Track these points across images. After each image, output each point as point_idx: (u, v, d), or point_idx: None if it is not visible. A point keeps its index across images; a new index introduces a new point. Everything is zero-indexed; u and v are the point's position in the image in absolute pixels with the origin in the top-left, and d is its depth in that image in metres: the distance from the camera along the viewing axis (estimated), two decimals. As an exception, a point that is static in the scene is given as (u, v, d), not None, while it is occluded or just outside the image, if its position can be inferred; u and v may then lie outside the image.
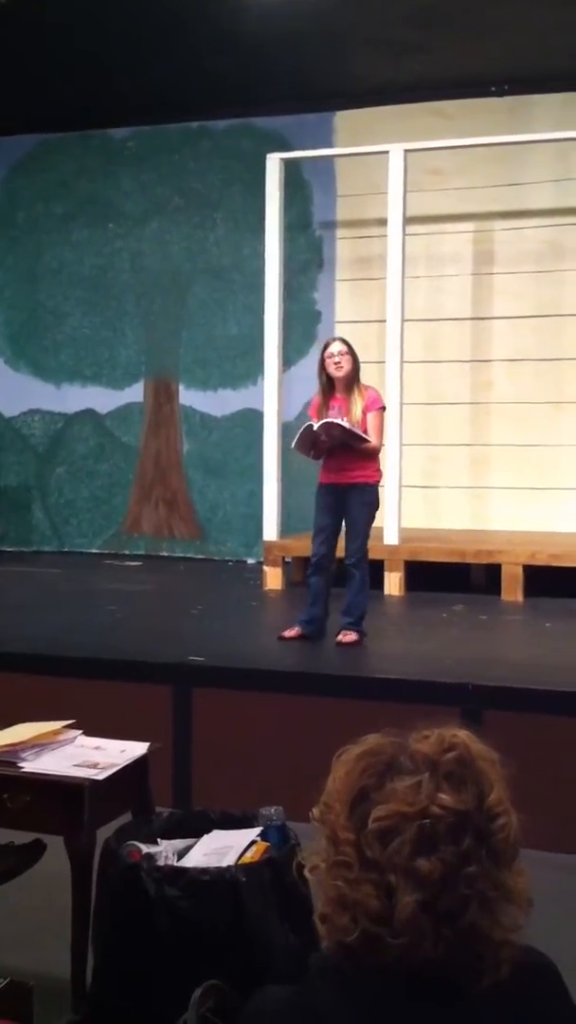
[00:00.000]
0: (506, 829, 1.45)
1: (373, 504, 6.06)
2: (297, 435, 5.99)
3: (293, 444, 6.07)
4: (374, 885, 1.42)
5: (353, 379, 6.01)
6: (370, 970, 1.44)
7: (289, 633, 6.09)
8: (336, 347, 6.04)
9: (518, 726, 4.76)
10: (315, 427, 5.85)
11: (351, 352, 6.01)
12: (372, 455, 5.98)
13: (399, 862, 1.41)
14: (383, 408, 6.09)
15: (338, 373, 5.98)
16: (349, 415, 5.91)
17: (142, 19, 7.82)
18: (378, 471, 6.08)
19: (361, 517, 6.02)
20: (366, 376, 6.22)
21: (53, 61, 8.49)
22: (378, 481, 6.09)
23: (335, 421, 5.82)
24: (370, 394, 6.03)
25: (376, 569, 7.71)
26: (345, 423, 5.83)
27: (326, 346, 6.13)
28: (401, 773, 1.46)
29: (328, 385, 6.04)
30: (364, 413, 5.94)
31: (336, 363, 5.97)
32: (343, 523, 6.11)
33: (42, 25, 7.82)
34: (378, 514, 7.15)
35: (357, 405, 5.94)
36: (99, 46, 8.25)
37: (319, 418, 5.94)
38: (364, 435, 5.87)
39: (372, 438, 5.92)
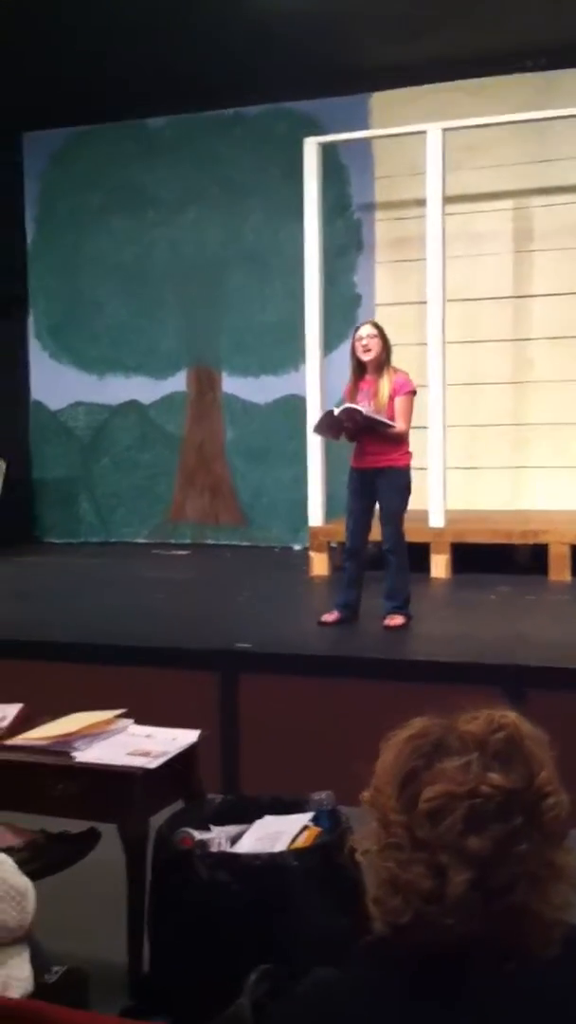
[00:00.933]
0: (556, 808, 1.46)
1: (404, 488, 6.07)
2: (318, 419, 6.03)
3: (313, 427, 6.11)
4: (425, 865, 1.43)
5: (383, 362, 6.02)
6: (420, 951, 1.45)
7: (329, 617, 6.13)
8: (365, 330, 6.06)
9: (564, 706, 4.73)
10: (336, 412, 5.90)
11: (381, 335, 6.02)
12: (399, 440, 5.98)
13: (449, 841, 1.42)
14: (412, 392, 6.07)
15: (366, 356, 5.99)
16: (376, 398, 5.92)
17: (174, 6, 7.81)
18: (407, 454, 6.06)
19: (393, 501, 6.03)
20: (407, 358, 6.21)
21: (86, 53, 8.51)
22: (407, 464, 6.07)
23: (356, 407, 5.85)
24: (399, 378, 6.03)
25: (422, 552, 7.71)
26: (366, 409, 5.84)
27: (356, 329, 6.17)
28: (450, 753, 1.47)
29: (359, 368, 6.07)
30: (392, 397, 5.95)
31: (364, 346, 6.00)
32: (376, 507, 6.11)
33: (74, 18, 7.84)
34: (421, 497, 7.14)
35: (384, 389, 5.96)
36: (131, 36, 8.25)
37: (351, 400, 5.96)
38: (388, 421, 5.88)
39: (399, 423, 5.93)
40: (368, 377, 6.02)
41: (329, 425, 5.99)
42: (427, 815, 1.44)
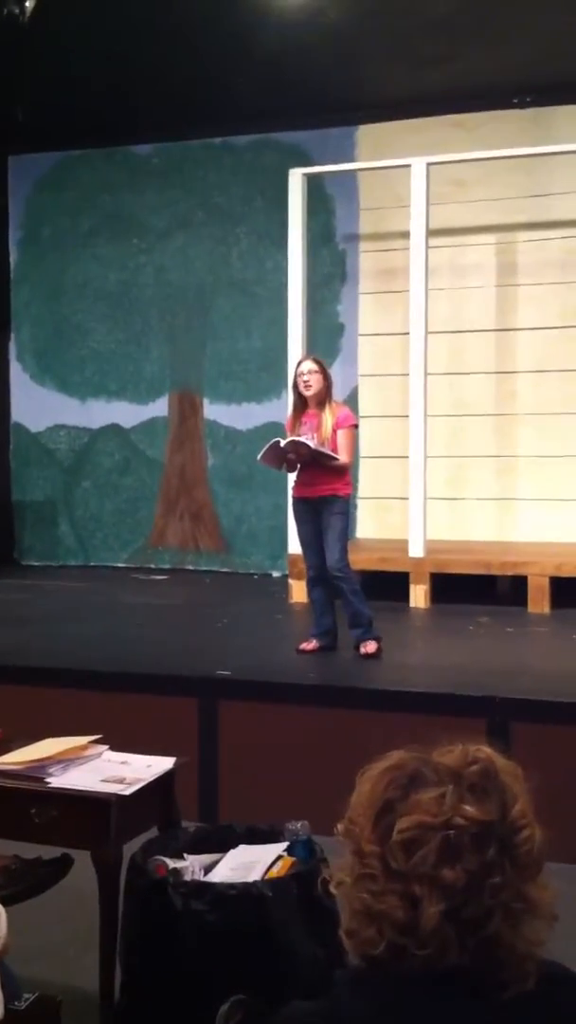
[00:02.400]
0: (530, 842, 1.46)
1: (344, 513, 6.20)
2: (263, 449, 6.08)
3: (259, 457, 6.17)
4: (399, 896, 1.42)
5: (324, 397, 6.11)
6: (396, 982, 1.44)
7: (307, 646, 6.17)
8: (307, 366, 6.17)
9: (545, 738, 4.74)
10: (282, 444, 5.98)
11: (322, 371, 6.15)
12: (342, 472, 6.09)
13: (423, 872, 1.42)
14: (354, 426, 6.19)
15: (307, 392, 6.10)
16: (320, 431, 6.01)
17: (163, 36, 7.87)
18: (348, 484, 6.23)
19: (335, 527, 6.10)
20: (389, 388, 6.26)
21: (74, 78, 8.55)
22: (348, 495, 6.23)
23: (302, 440, 5.92)
24: (342, 412, 6.16)
25: (401, 581, 7.72)
26: (312, 442, 5.91)
27: (298, 364, 6.30)
28: (425, 785, 1.47)
29: (300, 402, 6.15)
30: (334, 430, 6.04)
31: (305, 382, 6.09)
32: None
33: (63, 42, 7.88)
34: (403, 526, 7.18)
35: (328, 422, 6.05)
36: (120, 63, 8.30)
37: (293, 434, 6.05)
38: (332, 454, 5.98)
39: (341, 456, 6.03)
40: (310, 411, 6.12)
41: (275, 456, 6.07)
42: (401, 846, 1.43)
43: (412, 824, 1.43)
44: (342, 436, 6.05)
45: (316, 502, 6.10)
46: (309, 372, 6.09)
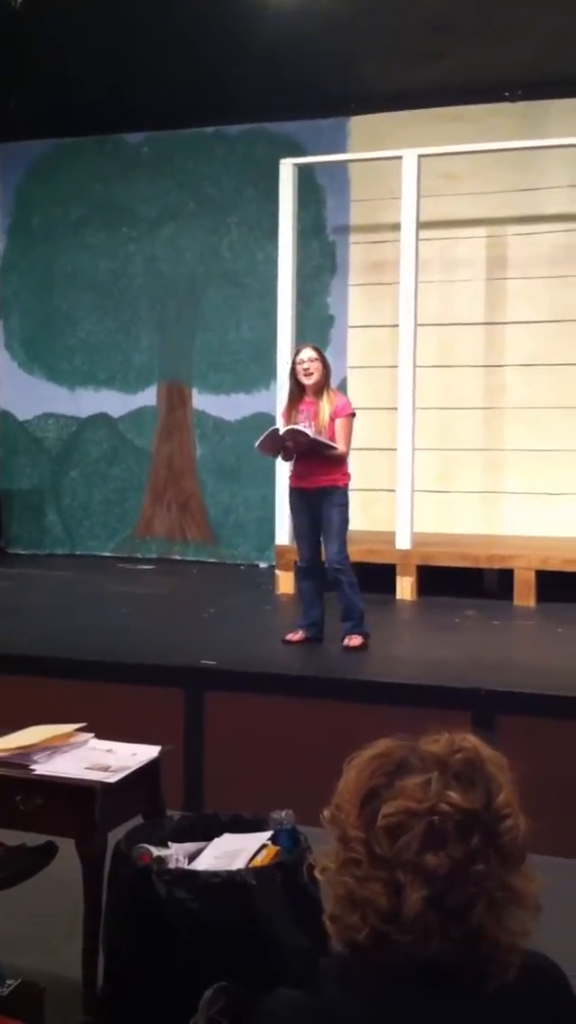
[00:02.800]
0: (514, 831, 1.46)
1: (343, 505, 6.14)
2: (262, 436, 6.06)
3: (256, 444, 6.14)
4: (383, 883, 1.43)
5: (323, 385, 6.08)
6: (379, 970, 1.44)
7: (293, 636, 6.16)
8: (307, 354, 6.11)
9: (530, 731, 4.75)
10: (281, 432, 5.95)
11: (321, 359, 6.10)
12: (339, 461, 6.05)
13: (407, 858, 1.42)
14: (352, 415, 6.13)
15: (307, 380, 6.05)
16: (317, 420, 5.98)
17: (157, 25, 7.85)
18: (346, 475, 6.15)
19: (334, 519, 6.08)
20: (378, 380, 6.26)
21: (67, 66, 8.53)
22: (346, 484, 6.16)
23: (301, 428, 5.89)
24: (339, 400, 6.12)
25: (388, 573, 7.72)
26: (311, 431, 5.89)
27: (296, 352, 6.24)
28: (411, 772, 1.48)
29: (297, 390, 6.11)
30: (332, 419, 6.01)
31: (306, 370, 6.05)
32: (319, 524, 6.16)
33: (56, 30, 7.85)
34: (390, 519, 7.17)
35: (325, 411, 6.01)
36: (114, 51, 8.28)
37: (288, 422, 6.01)
38: (330, 442, 5.94)
39: (339, 445, 5.99)
40: (308, 399, 6.08)
41: (272, 444, 6.04)
42: (386, 831, 1.44)
43: (397, 810, 1.44)
44: (340, 425, 6.01)
45: (314, 493, 6.07)
46: (310, 360, 6.05)
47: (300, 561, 6.28)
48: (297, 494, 6.18)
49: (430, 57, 8.19)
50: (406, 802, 1.44)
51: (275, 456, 6.24)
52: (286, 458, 6.18)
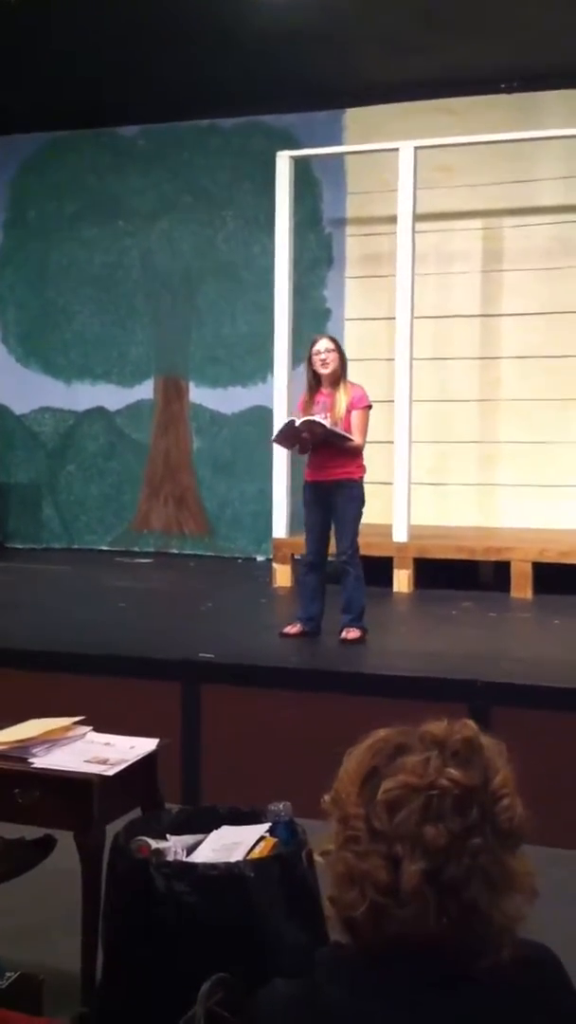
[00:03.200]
0: (511, 810, 1.49)
1: (359, 499, 6.10)
2: (278, 429, 6.03)
3: (273, 437, 6.11)
4: (381, 856, 1.45)
5: (340, 376, 6.06)
6: (376, 959, 1.46)
7: (291, 630, 6.15)
8: (323, 344, 6.09)
9: (526, 723, 4.77)
10: (297, 423, 5.91)
11: (338, 349, 6.08)
12: (355, 453, 6.02)
13: (406, 831, 1.45)
14: (369, 406, 6.10)
15: (324, 370, 6.03)
16: (333, 411, 5.95)
17: (151, 17, 7.82)
18: (361, 467, 6.10)
19: (348, 513, 6.06)
20: (375, 373, 6.25)
21: (62, 60, 8.50)
22: (362, 477, 6.11)
23: (318, 419, 5.86)
24: (356, 391, 6.07)
25: (385, 566, 7.74)
26: (327, 422, 5.86)
27: (313, 343, 6.18)
28: (411, 751, 1.51)
29: (314, 381, 6.09)
30: (349, 410, 5.98)
31: (323, 360, 6.03)
32: (331, 519, 6.13)
33: (50, 24, 7.83)
34: (386, 511, 7.17)
35: (342, 402, 5.98)
36: (108, 44, 8.25)
37: (305, 413, 5.99)
38: (346, 434, 5.91)
39: (356, 436, 5.96)
40: (324, 390, 6.05)
41: (288, 435, 6.01)
42: (385, 806, 1.47)
43: (397, 785, 1.47)
44: (357, 417, 5.99)
45: (330, 486, 6.03)
46: (326, 351, 6.03)
47: (306, 554, 6.23)
48: (313, 487, 6.12)
49: (425, 49, 8.17)
50: (406, 777, 1.47)
51: (291, 448, 6.18)
52: (302, 451, 6.13)
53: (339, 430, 5.89)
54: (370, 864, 1.46)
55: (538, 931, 1.53)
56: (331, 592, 6.21)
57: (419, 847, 1.44)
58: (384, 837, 1.46)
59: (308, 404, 6.07)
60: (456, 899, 1.43)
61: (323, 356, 6.02)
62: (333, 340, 6.15)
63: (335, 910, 1.50)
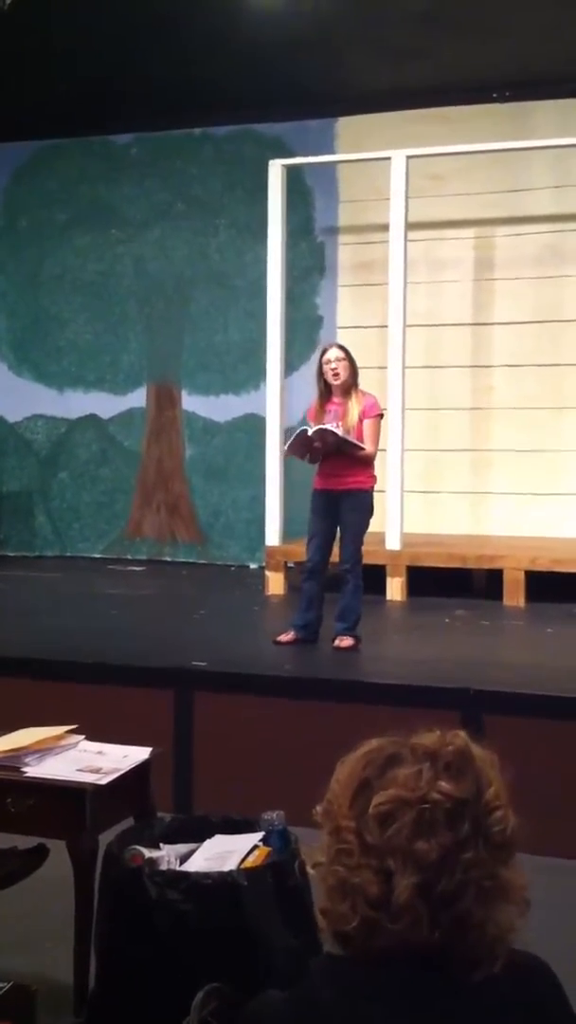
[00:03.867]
0: (503, 822, 1.48)
1: (368, 510, 6.08)
2: (291, 438, 6.01)
3: (285, 446, 6.08)
4: (373, 870, 1.45)
5: (351, 385, 6.02)
6: (369, 969, 1.46)
7: (284, 637, 6.11)
8: (333, 353, 6.04)
9: (519, 731, 4.77)
10: (310, 432, 5.87)
11: (349, 358, 6.03)
12: (367, 462, 5.99)
13: (398, 845, 1.44)
14: (380, 415, 6.08)
15: (335, 381, 5.99)
16: (345, 420, 5.92)
17: (144, 25, 7.84)
18: (372, 477, 6.08)
19: (355, 522, 6.04)
20: (367, 381, 6.24)
21: (54, 67, 8.51)
22: (372, 487, 6.09)
23: (330, 428, 5.83)
24: (368, 400, 6.04)
25: (377, 574, 7.73)
26: (340, 431, 5.84)
27: (323, 352, 6.14)
28: (402, 763, 1.50)
29: (325, 390, 6.06)
30: (361, 419, 5.95)
31: (333, 370, 5.98)
32: (337, 528, 6.12)
33: (43, 31, 7.84)
34: (379, 519, 7.15)
35: (354, 411, 5.95)
36: (100, 52, 8.27)
37: (316, 422, 5.96)
38: (358, 443, 5.89)
39: (368, 445, 5.93)
40: (335, 399, 6.02)
41: (301, 444, 5.97)
42: (377, 819, 1.46)
43: (388, 798, 1.46)
44: (368, 426, 5.95)
45: (339, 495, 6.00)
46: (337, 360, 5.98)
47: (306, 561, 6.20)
48: (322, 495, 6.07)
49: (417, 58, 8.20)
50: (398, 791, 1.47)
51: (303, 458, 6.14)
52: (312, 460, 6.08)
53: (352, 439, 5.88)
54: (362, 878, 1.45)
55: (530, 941, 1.54)
56: (328, 600, 6.19)
57: (411, 861, 1.43)
58: (376, 851, 1.45)
59: (319, 413, 6.03)
60: (449, 912, 1.43)
61: (333, 366, 5.98)
62: (343, 348, 6.09)
63: (327, 922, 1.50)
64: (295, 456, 6.13)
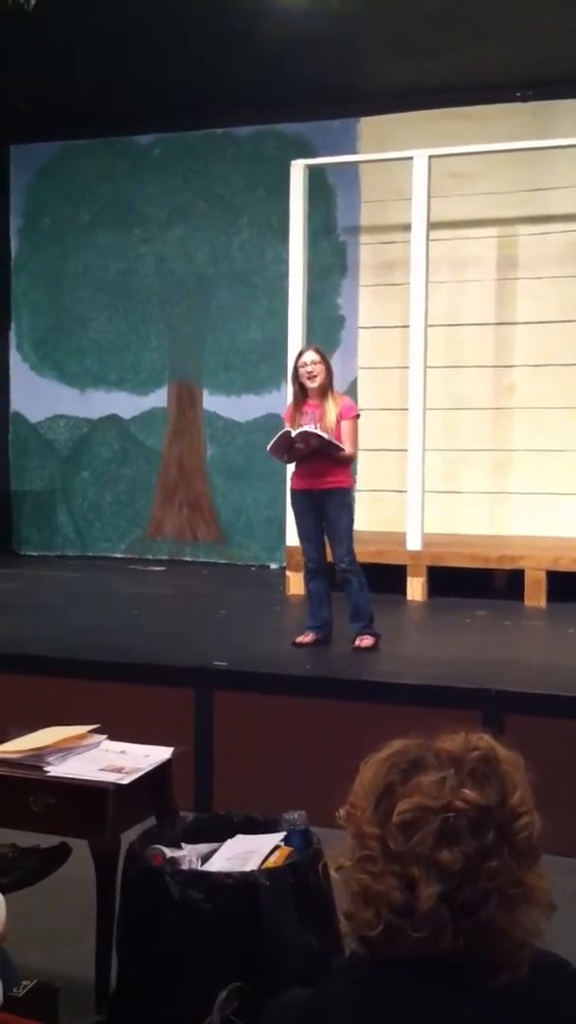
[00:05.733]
0: (528, 828, 1.47)
1: (350, 507, 6.18)
2: (273, 439, 6.04)
3: (268, 448, 6.11)
4: (397, 877, 1.45)
5: (327, 388, 6.06)
6: (391, 967, 1.46)
7: (304, 639, 6.14)
8: (309, 356, 6.09)
9: (540, 731, 4.76)
10: (293, 434, 5.91)
11: (324, 361, 6.09)
12: (346, 462, 6.06)
13: (421, 854, 1.44)
14: (357, 416, 6.13)
15: (311, 383, 6.03)
16: (323, 422, 5.96)
17: (166, 25, 7.85)
18: (351, 476, 6.20)
19: (341, 520, 6.09)
20: (389, 380, 6.25)
21: (76, 68, 8.54)
22: (351, 486, 6.20)
23: (313, 430, 5.87)
24: (345, 402, 6.11)
25: (398, 574, 7.73)
26: (322, 432, 5.88)
27: (300, 354, 6.20)
28: (426, 769, 1.49)
29: (301, 393, 6.10)
30: (338, 421, 5.99)
31: (310, 373, 6.03)
32: (324, 528, 6.16)
33: (65, 32, 7.86)
34: (400, 519, 7.16)
35: (331, 412, 5.99)
36: (122, 52, 8.29)
37: (293, 425, 6.00)
38: (339, 444, 5.93)
39: (347, 446, 5.98)
40: (312, 401, 6.07)
41: (283, 446, 6.01)
42: (400, 827, 1.46)
43: (412, 806, 1.46)
44: (347, 427, 6.00)
45: (318, 495, 6.06)
46: (312, 363, 6.03)
47: (308, 562, 6.24)
48: (302, 495, 6.15)
49: (439, 57, 8.18)
50: (421, 799, 1.46)
51: (282, 458, 6.19)
52: (290, 460, 6.16)
53: (333, 440, 5.91)
54: (385, 885, 1.45)
55: (554, 941, 1.53)
56: (337, 597, 6.20)
57: (434, 870, 1.43)
58: (399, 858, 1.45)
59: (295, 415, 6.08)
60: (472, 920, 1.42)
61: (310, 368, 6.03)
62: (319, 352, 6.16)
63: (351, 927, 1.50)
64: (275, 456, 6.17)
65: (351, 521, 6.16)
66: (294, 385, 6.16)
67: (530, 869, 1.47)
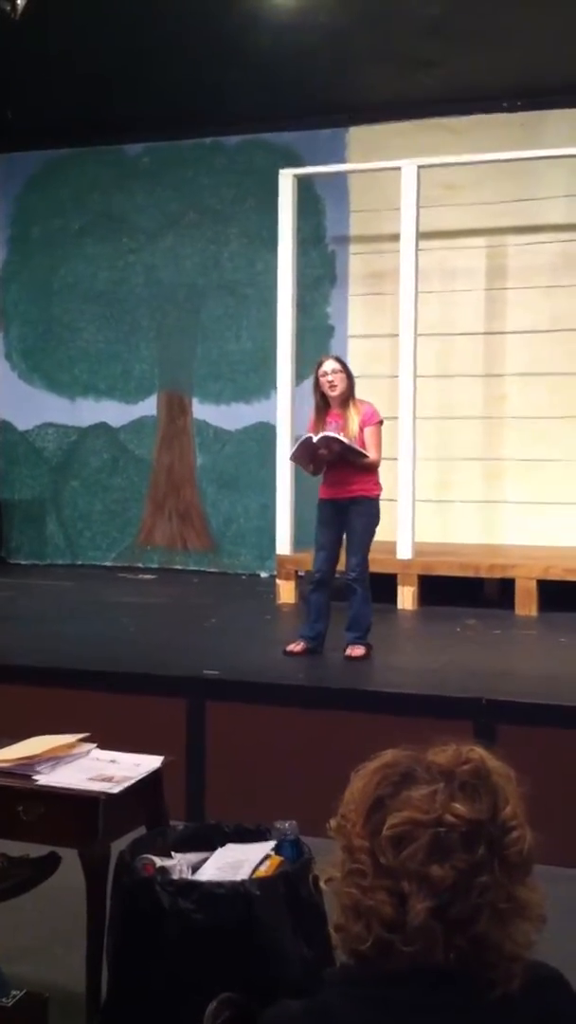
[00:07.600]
0: (520, 842, 1.46)
1: (374, 517, 6.09)
2: (295, 446, 6.01)
3: (291, 455, 6.08)
4: (387, 892, 1.43)
5: (348, 396, 6.03)
6: (383, 979, 1.45)
7: (295, 648, 6.11)
8: (329, 366, 6.05)
9: (531, 741, 4.76)
10: (315, 440, 5.88)
11: (345, 370, 6.05)
12: (371, 469, 6.01)
13: (412, 868, 1.43)
14: (380, 422, 6.09)
15: (332, 393, 6.01)
16: (346, 430, 5.93)
17: (155, 36, 7.87)
18: (378, 484, 6.09)
19: (362, 530, 6.05)
20: (379, 390, 6.25)
21: (66, 77, 8.55)
22: (378, 494, 6.10)
23: (335, 436, 5.85)
24: (366, 408, 6.06)
25: (389, 583, 7.72)
26: (344, 438, 5.85)
27: (319, 364, 6.15)
28: (417, 782, 1.48)
29: (323, 402, 6.07)
30: (361, 428, 5.97)
31: (330, 382, 6.00)
32: (343, 537, 6.12)
33: (54, 41, 7.88)
34: (391, 528, 7.14)
35: (354, 420, 5.97)
36: (112, 63, 8.30)
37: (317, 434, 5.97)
38: (362, 450, 5.90)
39: (371, 452, 5.95)
40: (334, 411, 6.03)
41: (306, 452, 5.98)
42: (391, 841, 1.44)
43: (402, 820, 1.45)
44: (370, 433, 5.97)
45: (345, 503, 6.01)
46: (333, 372, 6.00)
47: (315, 572, 6.19)
48: (328, 504, 6.09)
49: (428, 67, 8.22)
50: (412, 813, 1.45)
51: (307, 467, 6.14)
52: (316, 471, 6.09)
53: (356, 446, 5.88)
54: (375, 900, 1.44)
55: (545, 951, 1.53)
56: (335, 608, 6.19)
57: (425, 885, 1.42)
58: (390, 873, 1.44)
59: (318, 426, 6.03)
60: (464, 934, 1.41)
61: (330, 378, 6.00)
62: (339, 360, 6.13)
63: (341, 940, 1.49)
64: (299, 464, 6.13)
65: (371, 533, 6.09)
66: (315, 395, 6.11)
67: (522, 883, 1.46)
